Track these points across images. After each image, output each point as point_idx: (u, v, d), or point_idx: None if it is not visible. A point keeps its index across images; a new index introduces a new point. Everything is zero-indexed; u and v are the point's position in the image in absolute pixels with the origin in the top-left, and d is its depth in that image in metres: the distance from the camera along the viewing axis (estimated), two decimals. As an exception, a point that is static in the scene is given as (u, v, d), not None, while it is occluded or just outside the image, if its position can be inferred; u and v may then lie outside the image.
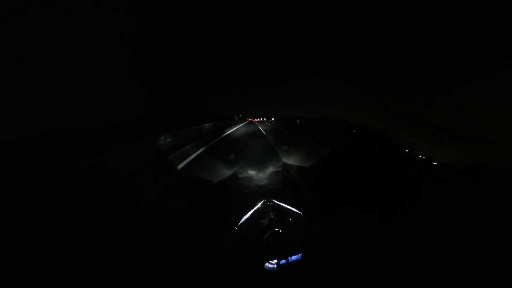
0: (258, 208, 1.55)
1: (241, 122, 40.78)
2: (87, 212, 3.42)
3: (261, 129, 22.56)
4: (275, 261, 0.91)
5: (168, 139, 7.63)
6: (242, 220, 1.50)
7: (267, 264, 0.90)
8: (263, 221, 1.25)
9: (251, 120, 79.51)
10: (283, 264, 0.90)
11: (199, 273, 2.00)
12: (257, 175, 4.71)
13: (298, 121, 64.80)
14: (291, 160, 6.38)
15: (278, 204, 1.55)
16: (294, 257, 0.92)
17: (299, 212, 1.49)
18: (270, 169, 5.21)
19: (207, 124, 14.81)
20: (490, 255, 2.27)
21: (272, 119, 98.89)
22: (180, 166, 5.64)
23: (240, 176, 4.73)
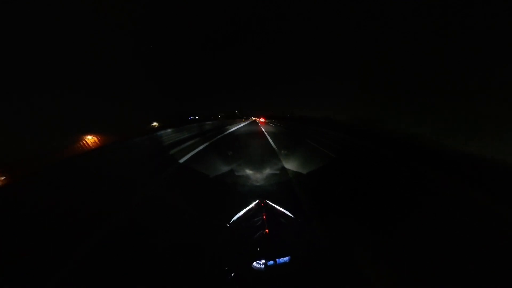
0: (252, 207, 1.55)
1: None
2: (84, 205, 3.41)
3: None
4: (263, 261, 0.91)
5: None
6: (235, 218, 1.51)
7: (254, 264, 0.90)
8: (255, 221, 1.26)
9: (253, 119, 69.36)
10: (270, 265, 0.90)
11: (188, 268, 2.01)
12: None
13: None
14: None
15: (272, 205, 1.55)
16: (282, 260, 0.92)
17: (291, 215, 1.49)
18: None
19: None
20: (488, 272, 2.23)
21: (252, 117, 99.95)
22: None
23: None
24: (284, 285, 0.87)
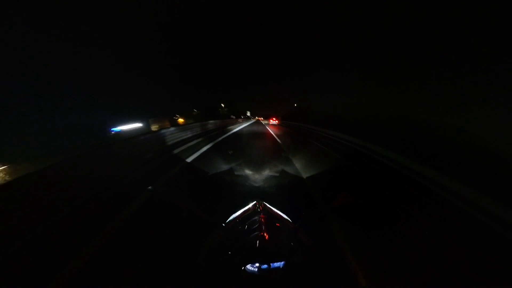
0: (249, 208, 1.52)
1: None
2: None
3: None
4: (257, 264, 0.88)
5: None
6: (231, 217, 1.48)
7: (248, 266, 0.88)
8: (251, 222, 1.22)
9: (257, 119, 63.71)
10: (264, 269, 0.87)
11: (180, 267, 2.00)
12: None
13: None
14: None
15: (270, 207, 1.51)
16: (276, 264, 0.89)
17: (289, 219, 1.46)
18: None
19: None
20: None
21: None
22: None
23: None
24: None
